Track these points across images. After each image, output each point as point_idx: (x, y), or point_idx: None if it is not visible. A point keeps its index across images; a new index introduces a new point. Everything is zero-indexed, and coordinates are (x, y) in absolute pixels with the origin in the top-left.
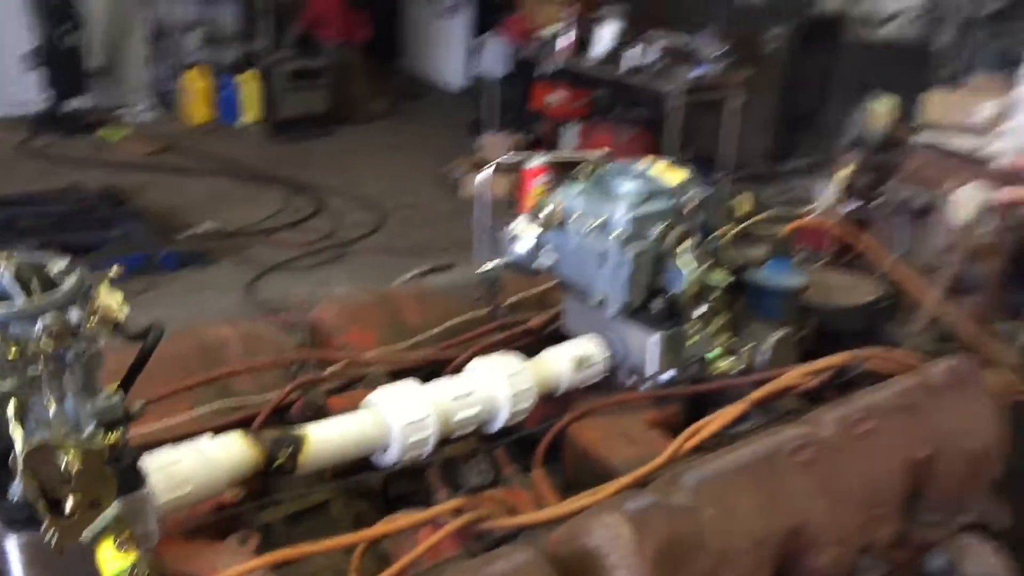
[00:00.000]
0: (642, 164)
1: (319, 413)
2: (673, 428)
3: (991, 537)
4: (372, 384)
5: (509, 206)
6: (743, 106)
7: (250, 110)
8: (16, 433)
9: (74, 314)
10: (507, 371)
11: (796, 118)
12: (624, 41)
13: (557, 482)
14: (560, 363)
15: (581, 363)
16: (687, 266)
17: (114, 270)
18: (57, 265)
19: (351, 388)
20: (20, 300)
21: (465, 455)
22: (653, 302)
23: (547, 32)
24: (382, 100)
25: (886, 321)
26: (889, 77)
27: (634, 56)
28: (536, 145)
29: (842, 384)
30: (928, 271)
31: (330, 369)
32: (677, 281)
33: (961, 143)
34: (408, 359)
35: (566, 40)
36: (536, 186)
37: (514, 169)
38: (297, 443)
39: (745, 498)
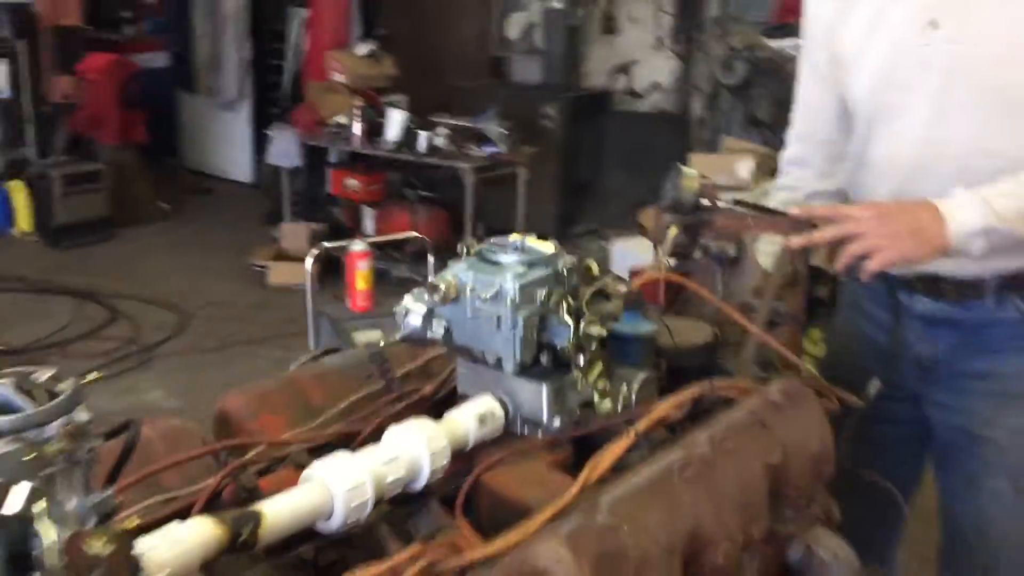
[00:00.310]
0: (513, 239)
1: (252, 495)
2: (567, 468)
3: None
4: (295, 463)
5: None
6: (529, 179)
7: (22, 219)
8: (45, 528)
9: (82, 415)
10: (424, 434)
11: (576, 186)
12: (412, 126)
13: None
14: (467, 421)
15: (483, 419)
16: (568, 323)
17: (93, 374)
18: (44, 374)
19: (273, 470)
20: (30, 408)
21: (408, 511)
22: (541, 357)
23: (336, 121)
24: (166, 199)
25: (719, 356)
26: (653, 144)
27: (427, 139)
28: (335, 231)
29: (696, 413)
30: (745, 310)
31: (252, 452)
32: (561, 336)
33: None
34: (324, 436)
35: (358, 128)
36: (361, 269)
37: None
38: (256, 519)
39: (651, 512)
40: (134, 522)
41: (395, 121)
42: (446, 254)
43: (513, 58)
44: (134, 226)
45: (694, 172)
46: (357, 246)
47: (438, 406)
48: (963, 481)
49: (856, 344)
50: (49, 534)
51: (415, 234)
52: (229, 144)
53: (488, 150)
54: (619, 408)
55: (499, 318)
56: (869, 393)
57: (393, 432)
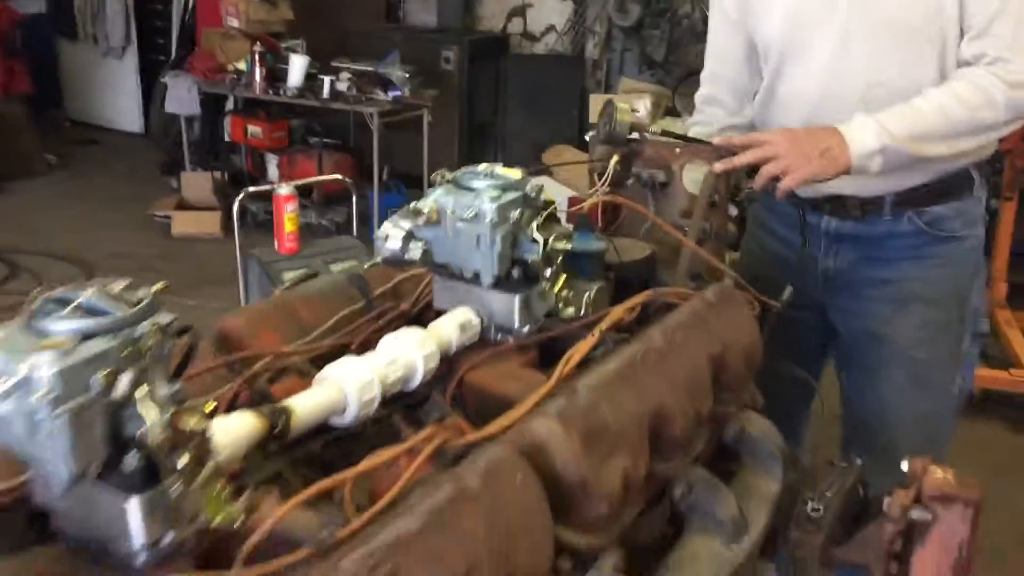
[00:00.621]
0: (483, 167)
1: (265, 399)
2: (535, 367)
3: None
4: (298, 371)
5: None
6: (431, 122)
7: None
8: (147, 410)
9: (165, 317)
10: (416, 340)
11: (477, 128)
12: (314, 72)
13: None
14: (450, 329)
15: (464, 327)
16: (538, 240)
17: (160, 284)
18: (120, 284)
19: (278, 380)
20: (121, 311)
21: (418, 402)
22: (513, 272)
23: (235, 67)
24: (52, 151)
25: (656, 270)
26: (549, 86)
27: (330, 85)
28: (236, 179)
29: (644, 317)
30: (676, 229)
31: (260, 363)
32: (532, 251)
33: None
34: (321, 348)
35: (259, 74)
36: (288, 211)
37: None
38: (288, 413)
39: (623, 394)
40: (211, 406)
41: (297, 66)
42: (354, 197)
43: (408, 1)
44: (21, 180)
45: (627, 107)
46: (283, 189)
47: (414, 321)
48: (865, 375)
49: (766, 261)
50: (150, 415)
51: (340, 177)
52: (115, 93)
53: (392, 94)
54: (580, 314)
55: (479, 236)
56: (783, 298)
57: (388, 339)
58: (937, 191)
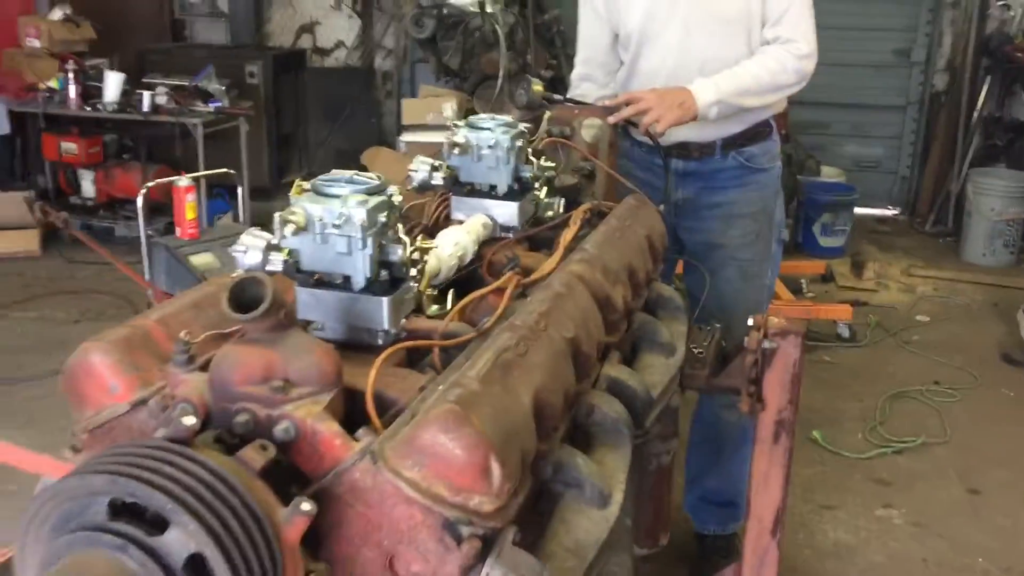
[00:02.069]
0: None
1: None
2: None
3: None
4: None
5: None
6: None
7: None
8: (396, 242)
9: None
10: (464, 230)
11: (283, 138)
12: (128, 88)
13: None
14: (479, 224)
15: (484, 226)
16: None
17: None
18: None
19: None
20: (374, 183)
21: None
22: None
23: (47, 86)
24: None
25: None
26: (345, 96)
27: (150, 99)
28: (56, 196)
29: (592, 218)
30: (579, 169)
31: None
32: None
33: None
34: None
35: (73, 91)
36: (189, 200)
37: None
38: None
39: (614, 247)
40: (429, 244)
41: (112, 82)
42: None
43: (196, 20)
44: None
45: (539, 82)
46: (183, 181)
47: None
48: (712, 274)
49: None
50: (398, 245)
51: (228, 170)
52: None
53: (213, 104)
54: (555, 216)
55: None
56: (660, 210)
57: (444, 233)
58: (750, 136)
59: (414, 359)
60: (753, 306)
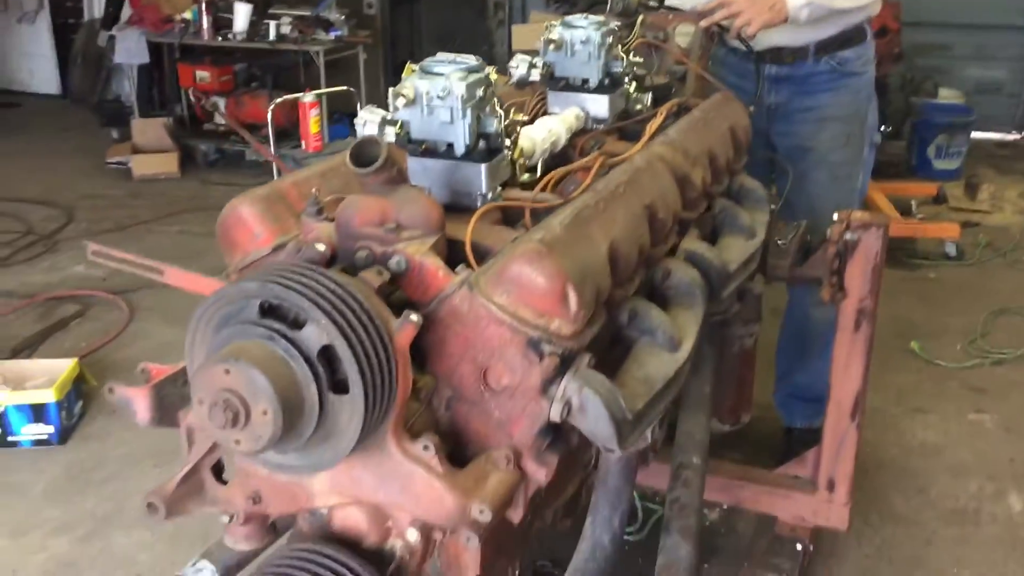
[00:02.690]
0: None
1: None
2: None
3: None
4: None
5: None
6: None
7: None
8: (494, 115)
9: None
10: (558, 120)
11: (399, 66)
12: (255, 19)
13: None
14: (572, 115)
15: (577, 118)
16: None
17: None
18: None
19: None
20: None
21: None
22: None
23: (181, 18)
24: None
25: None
26: (458, 26)
27: (276, 28)
28: (192, 121)
29: (679, 112)
30: (672, 74)
31: None
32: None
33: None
34: None
35: (207, 22)
36: (313, 115)
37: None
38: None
39: (697, 135)
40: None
41: (242, 14)
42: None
43: None
44: None
45: None
46: (307, 98)
47: None
48: (798, 178)
49: None
50: (494, 118)
51: (349, 88)
52: (30, 58)
53: (334, 33)
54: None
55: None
56: (751, 110)
57: (542, 120)
58: (842, 40)
59: (509, 222)
60: (840, 208)
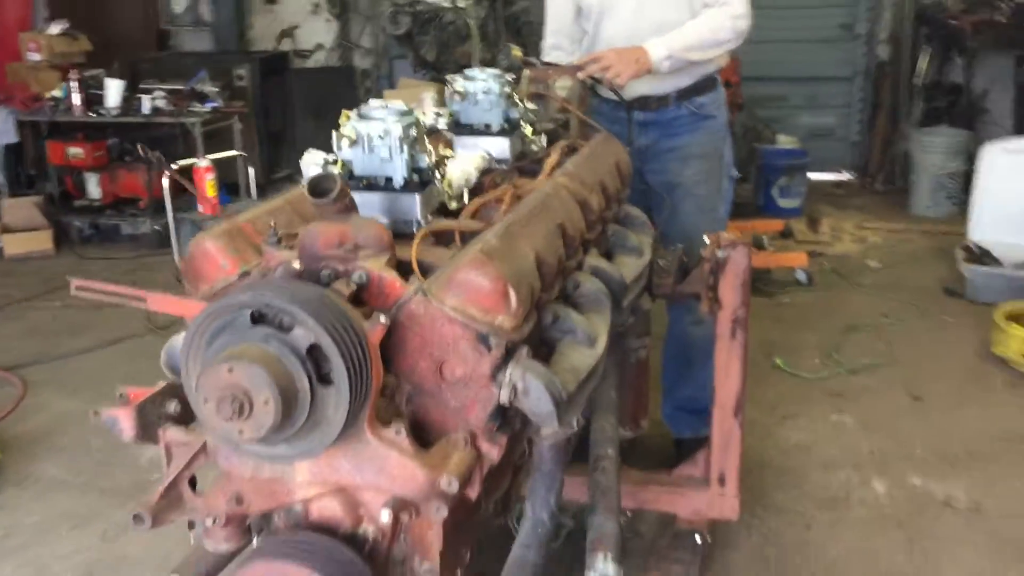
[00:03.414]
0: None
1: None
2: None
3: None
4: None
5: None
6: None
7: None
8: (425, 152)
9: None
10: (469, 160)
11: (272, 136)
12: (128, 94)
13: None
14: (477, 159)
15: (484, 159)
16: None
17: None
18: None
19: None
20: (402, 111)
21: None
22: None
23: (52, 95)
24: None
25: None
26: (328, 95)
27: (150, 102)
28: (64, 198)
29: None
30: (556, 121)
31: None
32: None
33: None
34: None
35: (78, 99)
36: (208, 180)
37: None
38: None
39: (589, 168)
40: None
41: (113, 89)
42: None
43: (181, 31)
44: None
45: (518, 48)
46: (202, 163)
47: None
48: (671, 212)
49: None
50: (425, 155)
51: (238, 153)
52: None
53: (210, 105)
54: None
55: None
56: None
57: (453, 163)
58: (698, 87)
59: (441, 244)
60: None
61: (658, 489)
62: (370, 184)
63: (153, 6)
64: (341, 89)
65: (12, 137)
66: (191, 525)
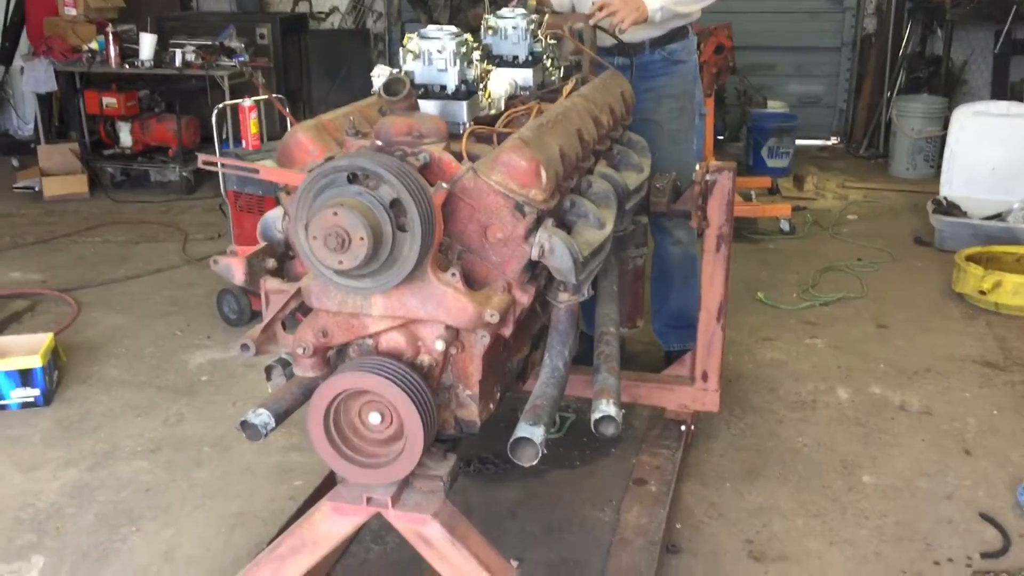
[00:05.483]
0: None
1: None
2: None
3: None
4: None
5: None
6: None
7: None
8: (474, 64)
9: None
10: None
11: (290, 93)
12: (159, 48)
13: None
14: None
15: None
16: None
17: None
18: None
19: None
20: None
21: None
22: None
23: (88, 48)
24: None
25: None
26: (344, 56)
27: (181, 56)
28: (95, 146)
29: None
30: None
31: None
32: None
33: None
34: None
35: (114, 51)
36: (252, 118)
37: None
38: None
39: (598, 95)
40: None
41: (147, 43)
42: (198, 152)
43: None
44: None
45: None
46: (247, 103)
47: None
48: (649, 143)
49: None
50: (475, 67)
51: (279, 95)
52: None
53: (237, 59)
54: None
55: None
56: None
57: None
58: (670, 36)
59: (482, 142)
60: (682, 165)
61: (649, 386)
62: (426, 92)
63: None
64: (355, 51)
65: (52, 86)
66: (268, 375)
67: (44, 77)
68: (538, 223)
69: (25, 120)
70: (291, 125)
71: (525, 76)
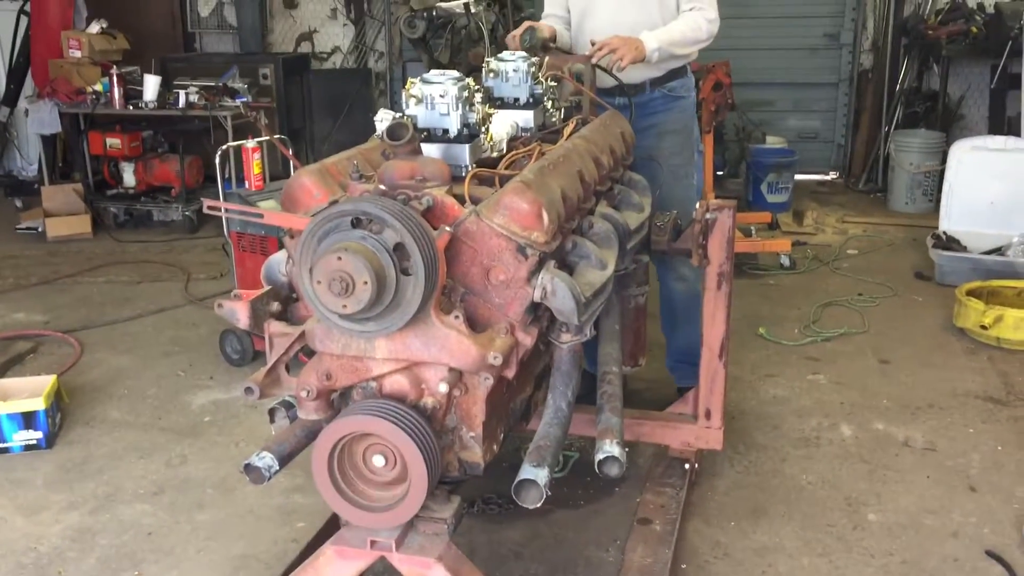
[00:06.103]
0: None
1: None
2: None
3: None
4: None
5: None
6: (265, 125)
7: None
8: (475, 107)
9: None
10: (506, 119)
11: (292, 132)
12: (163, 89)
13: None
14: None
15: (517, 123)
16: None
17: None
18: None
19: None
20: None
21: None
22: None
23: (92, 90)
24: None
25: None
26: (345, 95)
27: (185, 97)
28: (99, 186)
29: (580, 125)
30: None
31: None
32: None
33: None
34: None
35: (118, 93)
36: (255, 159)
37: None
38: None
39: (598, 135)
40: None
41: (151, 84)
42: (200, 192)
43: (206, 33)
44: None
45: (543, 27)
46: (250, 144)
47: None
48: (650, 180)
49: None
50: (476, 110)
51: (282, 136)
52: None
53: (240, 100)
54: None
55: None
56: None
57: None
58: (670, 76)
59: (484, 184)
60: (684, 200)
61: (652, 424)
62: (429, 136)
63: (180, 9)
64: (357, 90)
65: (56, 127)
66: (272, 417)
67: (48, 118)
68: (540, 265)
69: (29, 161)
70: (294, 167)
71: (526, 118)
